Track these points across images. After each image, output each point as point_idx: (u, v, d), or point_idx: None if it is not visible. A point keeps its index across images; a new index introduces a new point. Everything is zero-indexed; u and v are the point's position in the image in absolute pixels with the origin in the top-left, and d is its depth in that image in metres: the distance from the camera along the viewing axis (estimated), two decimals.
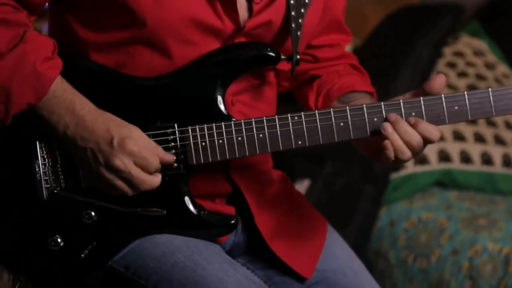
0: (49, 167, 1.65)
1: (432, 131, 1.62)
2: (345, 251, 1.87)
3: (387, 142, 1.61)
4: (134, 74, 1.65)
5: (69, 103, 1.58)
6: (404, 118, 1.63)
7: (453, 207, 2.91)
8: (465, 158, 3.04)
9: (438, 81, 1.64)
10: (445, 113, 1.63)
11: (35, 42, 1.57)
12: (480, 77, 3.19)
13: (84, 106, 1.58)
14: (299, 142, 1.64)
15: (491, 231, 2.75)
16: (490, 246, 2.70)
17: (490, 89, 1.64)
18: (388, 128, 1.62)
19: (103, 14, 1.63)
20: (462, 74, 3.19)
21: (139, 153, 1.58)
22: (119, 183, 1.59)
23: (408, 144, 1.61)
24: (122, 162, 1.57)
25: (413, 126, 1.62)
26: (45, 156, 1.65)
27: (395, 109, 1.63)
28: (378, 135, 1.63)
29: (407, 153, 1.62)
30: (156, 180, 1.60)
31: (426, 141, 1.63)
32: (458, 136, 3.06)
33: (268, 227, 1.76)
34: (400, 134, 1.61)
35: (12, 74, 1.55)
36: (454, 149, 3.04)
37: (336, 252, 1.85)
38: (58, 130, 1.58)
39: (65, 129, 1.58)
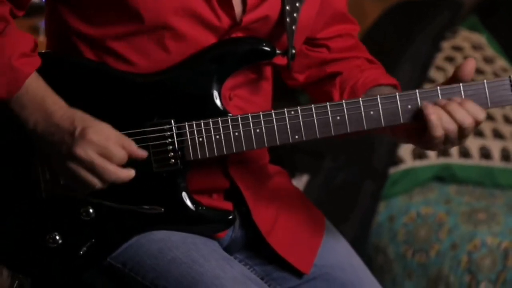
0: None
1: (479, 110, 1.61)
2: (343, 247, 1.87)
3: (431, 123, 1.60)
4: (130, 69, 1.64)
5: (40, 99, 1.57)
6: (400, 112, 1.63)
7: (452, 201, 2.90)
8: (464, 152, 3.03)
9: (468, 65, 1.63)
10: None
11: (13, 37, 1.57)
12: (478, 71, 3.18)
13: (56, 102, 1.58)
14: (296, 137, 1.64)
15: (490, 225, 2.75)
16: (489, 240, 2.70)
17: (485, 81, 1.64)
18: (429, 107, 1.60)
19: (99, 8, 1.62)
20: None
21: (99, 142, 1.56)
22: (84, 173, 1.57)
23: (461, 124, 1.60)
24: (84, 150, 1.56)
25: (460, 104, 1.61)
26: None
27: (391, 102, 1.63)
28: (374, 128, 1.64)
29: (455, 134, 1.61)
30: (125, 173, 1.58)
31: (476, 122, 1.61)
32: None
33: (266, 222, 1.76)
34: (453, 112, 1.59)
35: None
36: None
37: (334, 248, 1.84)
38: (28, 126, 1.58)
39: (35, 125, 1.58)
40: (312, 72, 1.85)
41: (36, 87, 1.58)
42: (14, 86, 1.56)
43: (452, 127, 1.61)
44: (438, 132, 1.61)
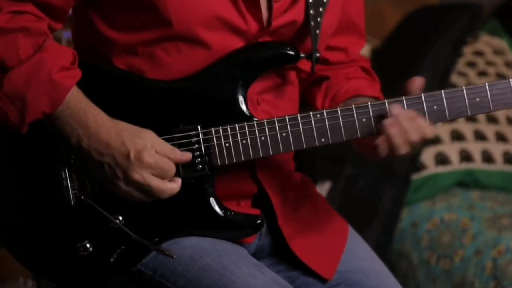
0: (75, 173, 1.65)
1: (429, 129, 1.63)
2: (367, 252, 1.87)
3: (383, 138, 1.62)
4: (159, 75, 1.64)
5: (82, 114, 1.59)
6: (426, 112, 1.63)
7: (476, 207, 2.89)
8: (487, 157, 3.02)
9: (416, 82, 1.65)
10: (467, 105, 1.64)
11: (53, 51, 1.58)
12: (500, 76, 3.18)
13: (97, 118, 1.59)
14: (323, 140, 1.64)
15: None
16: None
17: (510, 80, 1.65)
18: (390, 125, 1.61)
19: (128, 13, 1.63)
20: (482, 74, 3.18)
21: (156, 165, 1.59)
22: (138, 195, 1.61)
23: (408, 141, 1.62)
24: (140, 175, 1.59)
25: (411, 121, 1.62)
26: (71, 162, 1.65)
27: (417, 102, 1.63)
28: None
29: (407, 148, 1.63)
30: (175, 186, 1.62)
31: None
32: (480, 136, 3.05)
33: (290, 228, 1.76)
34: (404, 132, 1.61)
35: (28, 81, 1.55)
36: (475, 148, 3.02)
37: (358, 253, 1.84)
38: (71, 141, 1.59)
39: (79, 140, 1.59)
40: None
41: (77, 101, 1.59)
42: (56, 100, 1.57)
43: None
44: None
